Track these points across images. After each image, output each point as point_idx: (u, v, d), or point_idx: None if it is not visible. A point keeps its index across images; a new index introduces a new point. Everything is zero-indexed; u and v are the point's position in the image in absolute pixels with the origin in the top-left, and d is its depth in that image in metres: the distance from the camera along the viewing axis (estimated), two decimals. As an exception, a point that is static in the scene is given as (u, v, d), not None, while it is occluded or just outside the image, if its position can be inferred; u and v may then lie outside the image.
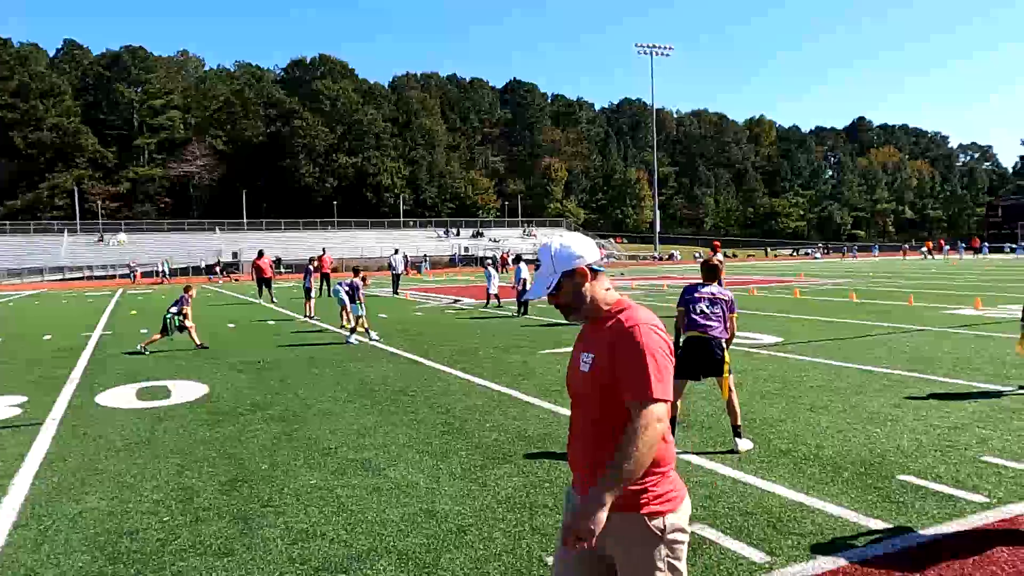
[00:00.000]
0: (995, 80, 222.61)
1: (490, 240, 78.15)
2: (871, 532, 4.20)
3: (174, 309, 13.03)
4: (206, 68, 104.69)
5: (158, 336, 12.89)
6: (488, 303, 20.50)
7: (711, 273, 6.33)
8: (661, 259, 77.46)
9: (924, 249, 67.73)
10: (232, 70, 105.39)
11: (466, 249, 72.63)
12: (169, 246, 64.27)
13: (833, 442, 6.04)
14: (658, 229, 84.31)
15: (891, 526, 4.28)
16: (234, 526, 4.51)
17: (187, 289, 13.54)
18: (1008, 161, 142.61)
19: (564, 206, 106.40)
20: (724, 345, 6.04)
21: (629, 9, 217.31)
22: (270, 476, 5.50)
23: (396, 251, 28.72)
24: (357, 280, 14.13)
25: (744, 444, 5.88)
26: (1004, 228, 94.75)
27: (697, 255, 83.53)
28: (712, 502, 4.72)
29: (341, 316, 15.58)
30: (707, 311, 6.08)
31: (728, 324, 6.09)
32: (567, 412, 7.16)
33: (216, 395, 8.70)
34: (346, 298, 13.99)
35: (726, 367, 6.00)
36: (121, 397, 8.75)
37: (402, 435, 6.61)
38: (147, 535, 4.41)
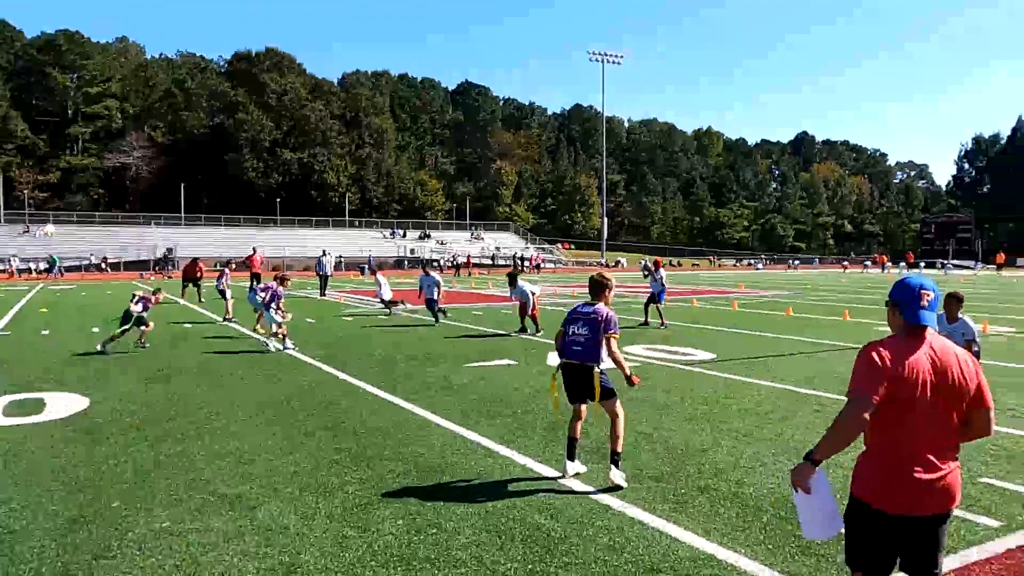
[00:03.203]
0: (932, 101, 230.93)
1: (437, 243, 77.23)
2: (786, 595, 3.72)
3: (138, 307, 12.37)
4: (147, 56, 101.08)
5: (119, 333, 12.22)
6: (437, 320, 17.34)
7: (596, 290, 5.78)
8: (608, 266, 77.64)
9: (874, 263, 70.02)
10: (174, 59, 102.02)
11: (412, 251, 71.57)
12: (101, 240, 61.59)
13: (755, 477, 5.59)
14: (606, 236, 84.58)
15: (809, 588, 3.81)
16: (50, 585, 3.80)
17: (156, 291, 13.58)
18: (942, 180, 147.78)
19: (513, 210, 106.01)
20: (595, 369, 5.50)
21: (582, 17, 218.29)
22: (118, 516, 4.76)
23: (324, 252, 27.67)
24: (279, 288, 13.07)
25: (616, 476, 5.35)
26: (936, 244, 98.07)
27: (642, 262, 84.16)
28: (615, 555, 4.19)
29: (256, 321, 14.80)
30: (578, 332, 5.58)
31: (607, 345, 5.50)
32: (476, 436, 6.60)
33: (95, 410, 7.85)
34: (261, 303, 13.18)
35: (596, 393, 5.47)
36: (-14, 411, 7.83)
37: (290, 463, 5.93)
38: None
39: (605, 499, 5.09)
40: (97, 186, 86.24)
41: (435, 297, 17.13)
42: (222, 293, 18.54)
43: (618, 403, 5.58)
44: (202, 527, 4.58)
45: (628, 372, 5.58)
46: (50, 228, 63.27)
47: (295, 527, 4.58)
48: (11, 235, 60.80)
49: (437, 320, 17.02)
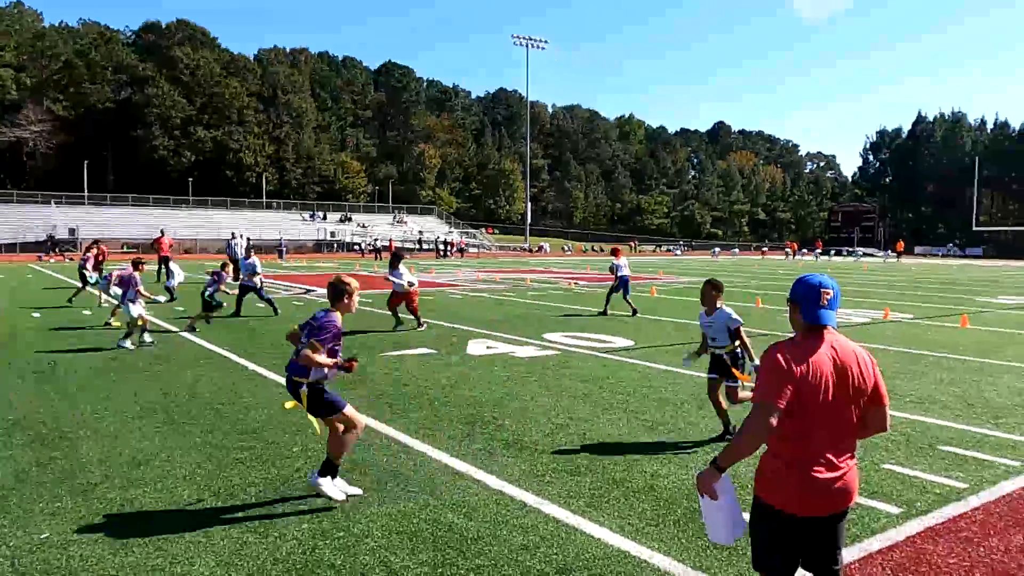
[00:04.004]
0: (838, 92, 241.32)
1: (359, 226, 75.80)
2: (698, 592, 3.70)
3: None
4: (44, 24, 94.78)
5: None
6: None
7: (332, 295, 4.96)
8: (531, 251, 78.02)
9: (788, 250, 72.73)
10: (76, 27, 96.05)
11: (333, 234, 70.04)
12: (-6, 219, 57.69)
13: (670, 469, 5.60)
14: (529, 221, 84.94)
15: (720, 584, 3.80)
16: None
17: (137, 265, 11.75)
18: (848, 170, 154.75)
19: (437, 194, 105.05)
20: (301, 376, 4.82)
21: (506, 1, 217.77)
22: (-10, 529, 4.36)
23: (234, 235, 26.50)
24: (134, 273, 11.46)
25: (325, 486, 4.75)
26: (843, 232, 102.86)
27: (566, 248, 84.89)
28: (528, 555, 4.09)
29: (112, 313, 13.68)
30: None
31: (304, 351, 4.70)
32: (388, 430, 6.36)
33: None
34: (118, 291, 12.18)
35: (299, 405, 4.89)
36: None
37: (189, 463, 5.59)
38: None
39: (520, 496, 4.99)
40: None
41: (255, 284, 15.02)
42: (83, 278, 17.44)
43: (346, 414, 4.88)
44: (88, 539, 4.23)
45: (332, 368, 4.85)
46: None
47: (190, 535, 4.28)
48: None
49: (238, 312, 14.91)
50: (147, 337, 11.38)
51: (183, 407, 7.37)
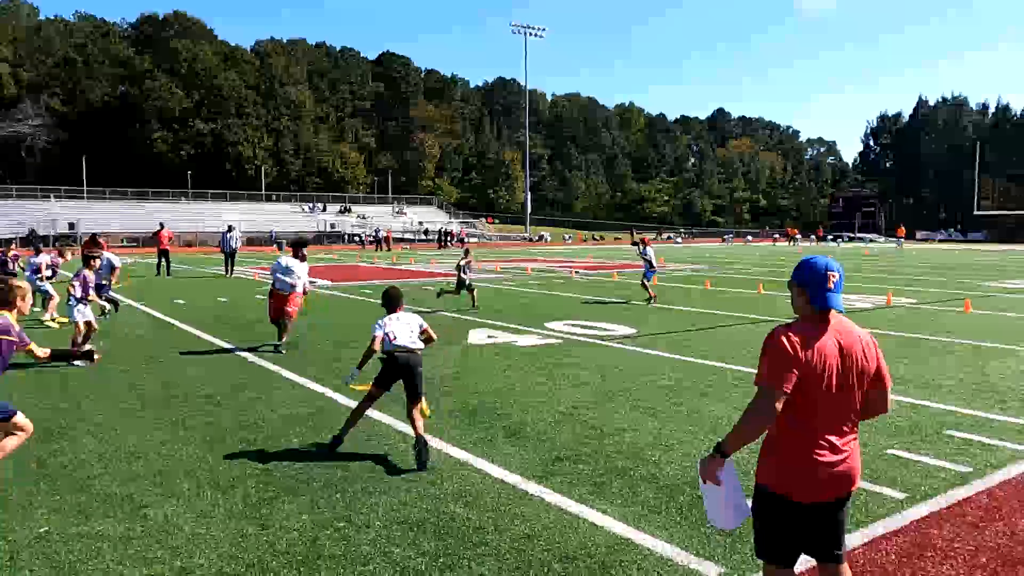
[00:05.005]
0: (839, 78, 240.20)
1: (358, 217, 75.67)
2: (702, 579, 3.67)
3: None
4: (40, 17, 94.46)
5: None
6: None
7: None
8: (532, 240, 77.89)
9: (789, 236, 73.02)
10: (72, 22, 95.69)
11: (332, 226, 69.91)
12: (-7, 214, 57.63)
13: (673, 456, 5.57)
14: (529, 210, 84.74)
15: (722, 571, 3.77)
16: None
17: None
18: (849, 156, 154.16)
19: (436, 184, 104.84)
20: None
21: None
22: (-10, 523, 4.34)
23: (230, 228, 26.35)
24: (87, 273, 9.81)
25: None
26: (844, 218, 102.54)
27: (567, 237, 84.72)
28: (530, 544, 4.06)
29: (45, 306, 12.89)
30: None
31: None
32: (388, 419, 6.28)
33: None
34: (47, 285, 12.01)
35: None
36: None
37: (187, 455, 5.56)
38: None
39: (522, 485, 4.95)
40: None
41: (106, 282, 12.98)
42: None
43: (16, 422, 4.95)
44: (86, 531, 4.20)
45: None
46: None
47: (190, 527, 4.26)
48: None
49: (105, 312, 12.78)
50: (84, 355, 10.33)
51: (182, 400, 7.34)
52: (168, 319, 13.47)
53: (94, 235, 22.22)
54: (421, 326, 5.87)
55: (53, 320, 12.81)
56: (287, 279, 10.18)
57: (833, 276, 2.80)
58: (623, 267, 30.39)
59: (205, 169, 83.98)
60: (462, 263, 15.32)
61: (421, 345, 5.78)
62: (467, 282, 15.14)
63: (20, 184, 69.95)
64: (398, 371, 5.65)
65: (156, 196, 71.08)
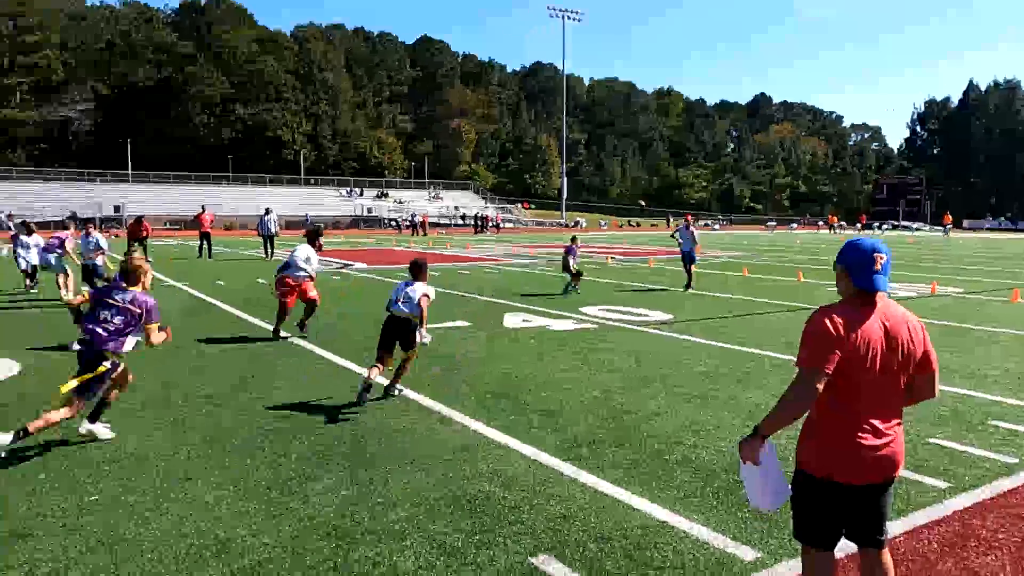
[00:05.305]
0: (886, 65, 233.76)
1: (395, 202, 76.12)
2: (737, 562, 3.64)
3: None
4: (87, 4, 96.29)
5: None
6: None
7: (127, 278, 5.46)
8: (568, 226, 77.61)
9: (829, 224, 72.00)
10: (117, 8, 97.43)
11: (369, 211, 70.46)
12: (43, 197, 59.25)
13: (709, 441, 5.53)
14: (565, 196, 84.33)
15: (759, 555, 3.74)
16: (-40, 568, 3.53)
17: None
18: (894, 142, 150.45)
19: (473, 169, 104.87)
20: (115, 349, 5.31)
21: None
22: (40, 490, 4.48)
23: (267, 211, 26.63)
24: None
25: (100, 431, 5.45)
26: (888, 205, 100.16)
27: (603, 223, 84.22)
28: (566, 524, 4.07)
29: (59, 285, 12.81)
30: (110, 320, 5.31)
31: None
32: (423, 399, 6.30)
33: (26, 378, 7.46)
34: (54, 260, 12.13)
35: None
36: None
37: (226, 433, 5.67)
38: None
39: (557, 466, 4.96)
40: (38, 141, 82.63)
41: (99, 263, 12.96)
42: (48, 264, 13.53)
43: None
44: (132, 500, 4.33)
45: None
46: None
47: (229, 500, 4.35)
48: (-54, 192, 58.16)
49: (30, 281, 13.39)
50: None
51: (226, 379, 7.49)
52: (209, 299, 13.73)
53: (139, 217, 22.71)
54: (424, 295, 6.75)
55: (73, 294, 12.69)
56: (308, 268, 9.88)
57: (880, 258, 2.74)
58: (659, 253, 30.13)
59: (245, 153, 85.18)
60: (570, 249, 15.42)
61: (416, 313, 6.67)
62: (573, 268, 15.22)
63: (66, 168, 71.75)
64: (394, 331, 6.72)
65: (198, 180, 72.31)
